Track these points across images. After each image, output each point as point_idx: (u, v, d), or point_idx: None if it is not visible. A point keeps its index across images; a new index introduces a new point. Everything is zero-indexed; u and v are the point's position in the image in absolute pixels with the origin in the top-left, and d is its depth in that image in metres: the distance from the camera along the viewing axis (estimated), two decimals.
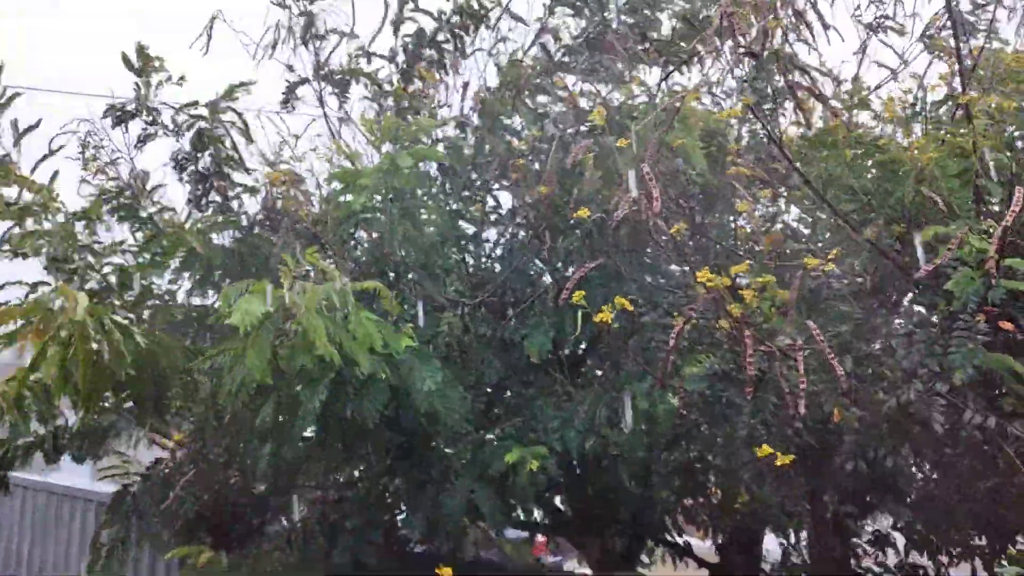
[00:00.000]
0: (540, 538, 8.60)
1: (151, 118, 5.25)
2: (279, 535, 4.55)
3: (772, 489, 4.16)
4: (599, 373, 4.81)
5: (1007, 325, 3.55)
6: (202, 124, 5.19)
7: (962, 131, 4.03)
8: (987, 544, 5.06)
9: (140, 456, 5.43)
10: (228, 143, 5.26)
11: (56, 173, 4.73)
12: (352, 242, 4.27)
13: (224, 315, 3.07)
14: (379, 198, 3.70)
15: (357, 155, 3.77)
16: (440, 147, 4.60)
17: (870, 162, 4.26)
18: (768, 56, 4.27)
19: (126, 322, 3.45)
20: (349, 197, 3.70)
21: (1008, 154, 4.19)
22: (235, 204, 5.42)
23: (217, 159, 5.19)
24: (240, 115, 5.23)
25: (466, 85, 4.94)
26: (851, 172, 4.08)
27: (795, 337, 3.48)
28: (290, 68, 5.58)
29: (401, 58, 5.45)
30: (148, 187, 5.10)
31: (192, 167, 5.42)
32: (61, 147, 4.86)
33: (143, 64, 5.13)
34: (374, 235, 4.04)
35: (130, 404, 4.08)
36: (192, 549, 4.34)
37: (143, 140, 5.25)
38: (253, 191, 5.40)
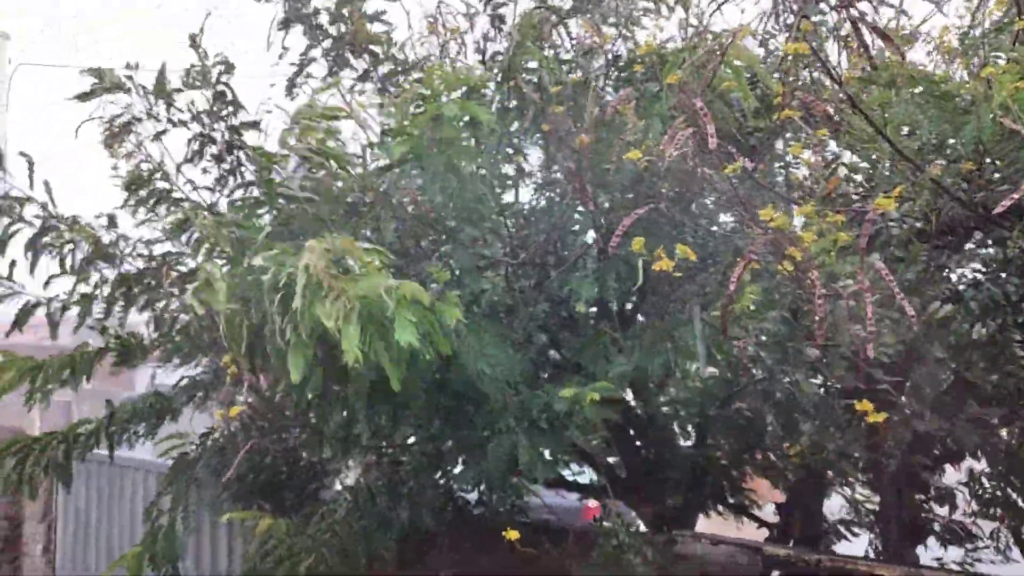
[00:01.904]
0: (592, 503, 8.54)
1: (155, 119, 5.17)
2: (335, 500, 4.55)
3: (838, 441, 4.00)
4: (641, 326, 4.70)
5: None
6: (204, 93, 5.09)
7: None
8: None
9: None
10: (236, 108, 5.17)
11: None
12: (393, 200, 4.17)
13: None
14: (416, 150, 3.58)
15: (404, 105, 3.65)
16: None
17: (931, 100, 4.05)
18: None
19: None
20: (393, 147, 3.59)
21: None
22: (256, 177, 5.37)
23: (234, 127, 5.10)
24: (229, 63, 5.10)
25: (486, 36, 4.79)
26: (918, 109, 3.87)
27: (862, 280, 3.32)
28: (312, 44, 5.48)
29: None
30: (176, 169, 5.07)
31: (211, 145, 5.36)
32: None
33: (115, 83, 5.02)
34: (417, 194, 3.94)
35: None
36: (250, 514, 4.36)
37: (158, 135, 5.17)
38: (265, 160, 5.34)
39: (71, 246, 4.85)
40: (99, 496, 8.25)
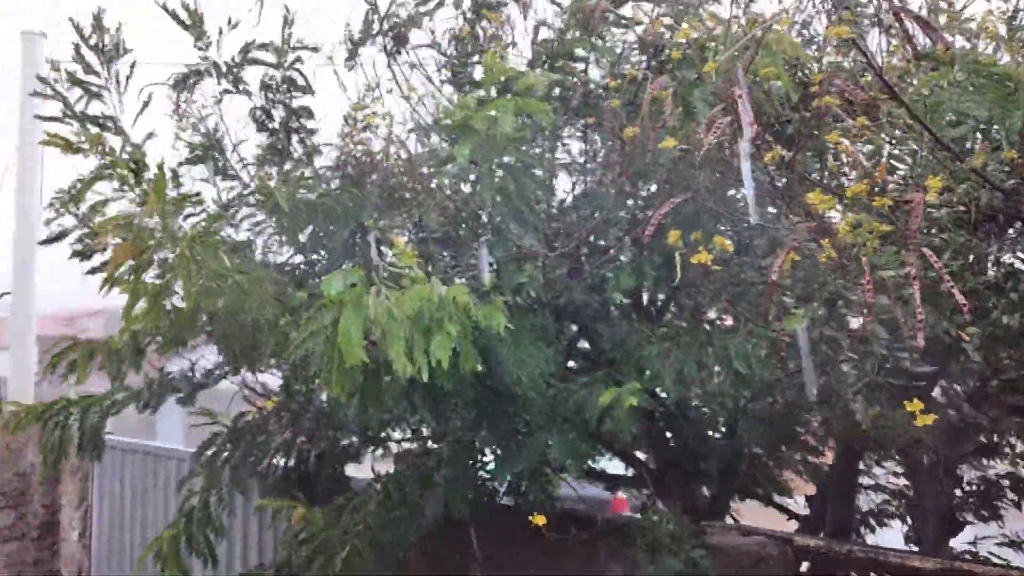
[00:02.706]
0: (621, 495, 8.53)
1: (222, 75, 5.29)
2: (365, 491, 4.57)
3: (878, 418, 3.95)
4: (684, 323, 4.68)
5: None
6: (271, 73, 5.16)
7: None
8: None
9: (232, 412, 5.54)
10: (304, 92, 5.26)
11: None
12: (440, 193, 4.19)
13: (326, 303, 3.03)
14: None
15: (468, 103, 3.63)
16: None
17: (979, 84, 3.96)
18: None
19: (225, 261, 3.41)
20: (445, 146, 3.59)
21: None
22: (314, 159, 5.44)
23: (292, 109, 5.20)
24: (300, 54, 5.16)
25: (537, 27, 4.76)
26: (965, 95, 3.79)
27: (907, 269, 3.26)
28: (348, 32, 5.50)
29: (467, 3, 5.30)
30: (233, 143, 5.14)
31: (267, 120, 5.46)
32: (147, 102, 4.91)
33: (195, 22, 5.13)
34: (463, 186, 3.94)
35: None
36: (284, 502, 4.40)
37: (219, 99, 5.27)
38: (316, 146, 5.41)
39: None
40: (133, 484, 8.37)
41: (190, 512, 4.75)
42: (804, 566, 4.49)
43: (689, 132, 3.76)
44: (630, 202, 4.40)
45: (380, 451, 5.36)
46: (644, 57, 4.71)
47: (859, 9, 4.62)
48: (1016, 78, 3.64)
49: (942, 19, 4.88)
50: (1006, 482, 5.51)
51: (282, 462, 5.00)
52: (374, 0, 5.25)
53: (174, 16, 5.07)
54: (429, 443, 4.96)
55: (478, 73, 5.20)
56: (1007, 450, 5.12)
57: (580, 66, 4.65)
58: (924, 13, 4.77)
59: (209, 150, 5.37)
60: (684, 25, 3.97)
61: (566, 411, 3.82)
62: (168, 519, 7.66)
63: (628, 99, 4.19)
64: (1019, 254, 4.48)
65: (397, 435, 4.64)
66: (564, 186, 5.05)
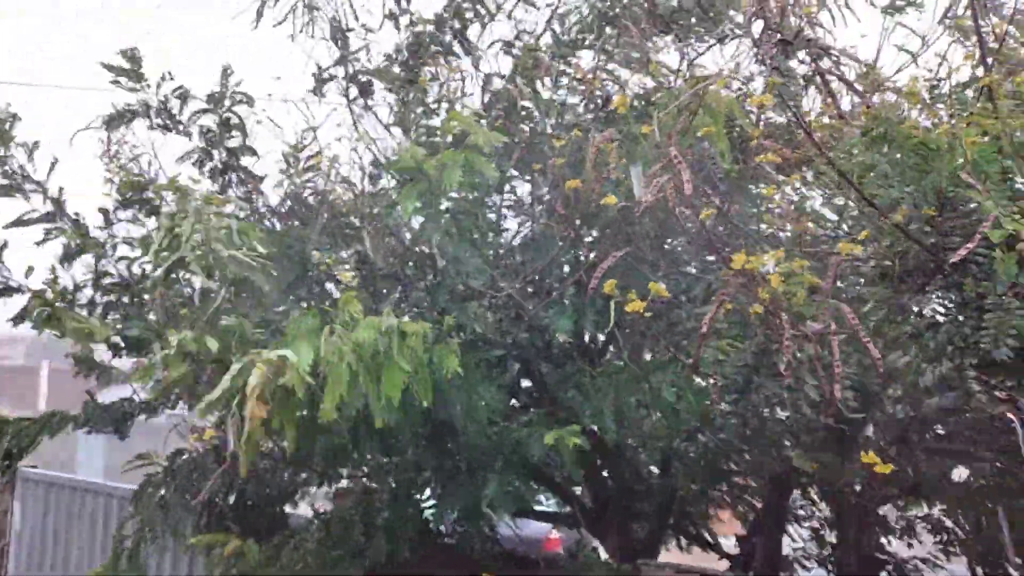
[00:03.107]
0: (553, 534, 8.62)
1: (160, 117, 5.32)
2: (305, 527, 4.54)
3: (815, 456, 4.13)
4: (618, 363, 4.81)
5: None
6: (208, 117, 5.22)
7: (989, 113, 4.02)
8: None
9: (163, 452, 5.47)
10: (241, 134, 5.33)
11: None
12: (388, 233, 4.27)
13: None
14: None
15: (417, 150, 3.74)
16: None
17: (898, 146, 4.23)
18: (798, 43, 4.26)
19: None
20: (394, 186, 3.68)
21: None
22: (257, 200, 5.47)
23: (231, 150, 5.25)
24: (248, 99, 5.25)
25: (488, 77, 4.92)
26: (882, 157, 4.05)
27: (828, 321, 3.46)
28: (319, 72, 5.60)
29: (404, 55, 5.44)
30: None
31: (208, 162, 5.50)
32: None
33: (133, 68, 5.18)
34: (411, 227, 4.03)
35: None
36: (219, 537, 4.33)
37: (163, 130, 5.29)
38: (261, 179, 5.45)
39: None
40: (56, 519, 8.08)
41: (121, 553, 4.65)
42: None
43: (630, 186, 3.92)
44: (572, 249, 4.54)
45: (320, 489, 5.33)
46: (591, 108, 4.90)
47: (795, 70, 4.88)
48: (932, 144, 3.91)
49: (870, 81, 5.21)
50: (926, 524, 5.76)
51: (219, 500, 4.94)
52: (343, 46, 5.35)
53: (111, 68, 5.11)
54: (370, 482, 4.96)
55: (430, 120, 5.35)
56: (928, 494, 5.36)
57: (527, 115, 4.80)
58: (853, 75, 5.09)
59: (143, 191, 5.35)
60: (627, 85, 4.15)
61: (507, 451, 3.89)
62: (92, 556, 7.43)
63: (574, 150, 4.34)
64: (938, 306, 4.76)
65: (341, 471, 4.63)
66: (511, 229, 5.20)
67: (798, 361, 3.36)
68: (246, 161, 5.56)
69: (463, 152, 3.58)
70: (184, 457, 5.05)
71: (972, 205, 3.95)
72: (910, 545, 5.79)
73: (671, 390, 3.61)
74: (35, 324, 4.47)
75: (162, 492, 4.92)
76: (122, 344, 4.97)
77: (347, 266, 4.93)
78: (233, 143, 5.42)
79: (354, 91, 5.60)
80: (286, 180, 5.28)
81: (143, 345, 4.80)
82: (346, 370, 2.86)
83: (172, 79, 5.31)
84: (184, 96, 5.26)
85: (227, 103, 5.27)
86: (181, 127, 5.42)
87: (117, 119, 5.29)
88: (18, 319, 4.68)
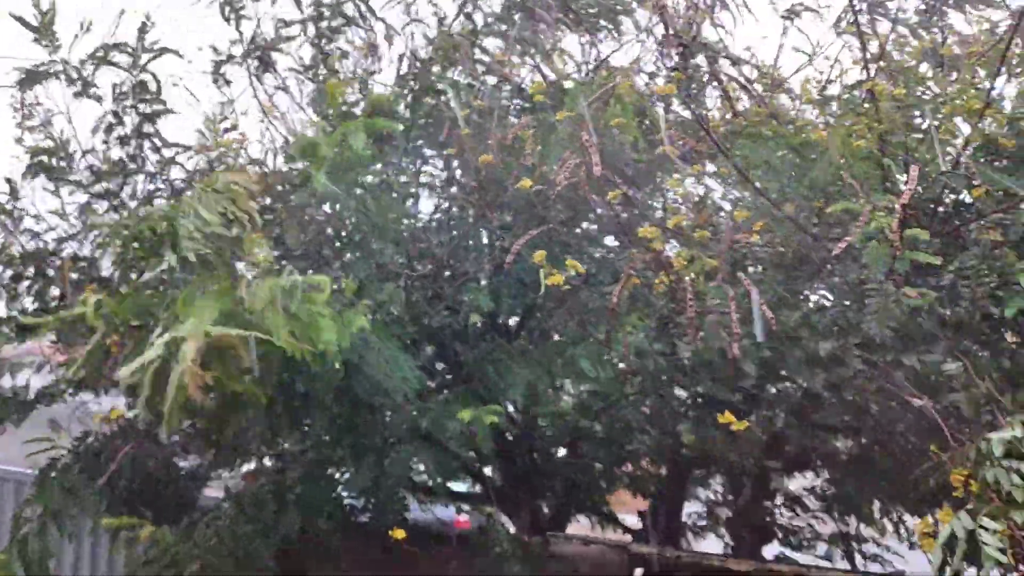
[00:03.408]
0: (462, 516, 8.76)
1: (72, 77, 5.12)
2: (216, 508, 4.52)
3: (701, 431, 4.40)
4: (531, 342, 4.98)
5: (911, 293, 3.90)
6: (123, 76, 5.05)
7: (871, 114, 4.38)
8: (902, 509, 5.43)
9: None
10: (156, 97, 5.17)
11: None
12: (301, 214, 4.28)
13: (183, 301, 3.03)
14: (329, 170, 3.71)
15: (320, 125, 3.76)
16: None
17: (786, 144, 4.55)
18: (695, 45, 4.52)
19: None
20: (300, 166, 3.69)
21: (911, 136, 4.58)
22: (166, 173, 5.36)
23: (145, 114, 5.08)
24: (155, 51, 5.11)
25: (402, 56, 4.99)
26: (771, 153, 4.36)
27: (727, 293, 3.71)
28: (214, 50, 5.53)
29: (312, 31, 5.43)
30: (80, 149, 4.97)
31: (118, 127, 5.31)
32: None
33: (44, 24, 4.97)
34: (325, 206, 4.07)
35: None
36: (130, 520, 4.25)
37: (76, 95, 5.08)
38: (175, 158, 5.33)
39: None
40: None
41: (24, 537, 4.51)
42: (638, 572, 4.87)
43: (547, 170, 4.09)
44: (487, 229, 4.67)
45: (231, 472, 5.30)
46: (506, 92, 5.05)
47: (696, 70, 5.16)
48: (817, 143, 4.24)
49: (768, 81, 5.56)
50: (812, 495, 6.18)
51: (127, 481, 4.84)
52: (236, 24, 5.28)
53: (21, 21, 4.90)
54: (281, 462, 4.97)
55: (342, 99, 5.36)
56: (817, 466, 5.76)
57: (443, 98, 4.89)
58: (752, 75, 5.42)
59: (54, 157, 5.18)
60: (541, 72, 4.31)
61: (425, 428, 3.99)
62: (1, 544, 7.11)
63: (489, 133, 4.47)
64: (825, 292, 5.14)
65: (256, 450, 4.63)
66: (425, 210, 5.29)
67: (699, 330, 3.59)
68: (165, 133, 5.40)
69: (360, 120, 3.63)
70: (90, 439, 4.92)
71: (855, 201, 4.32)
72: (796, 514, 6.20)
73: (587, 362, 3.78)
74: None
75: (68, 475, 4.78)
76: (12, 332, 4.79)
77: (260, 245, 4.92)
78: (147, 108, 5.23)
79: (256, 68, 5.55)
80: (200, 156, 5.19)
81: (34, 328, 4.65)
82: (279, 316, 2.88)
83: (89, 31, 5.07)
84: (101, 54, 5.04)
85: (143, 60, 5.09)
86: (93, 91, 5.22)
87: (29, 79, 5.05)
88: None
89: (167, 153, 5.37)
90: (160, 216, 3.33)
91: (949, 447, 3.36)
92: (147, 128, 5.16)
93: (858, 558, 6.03)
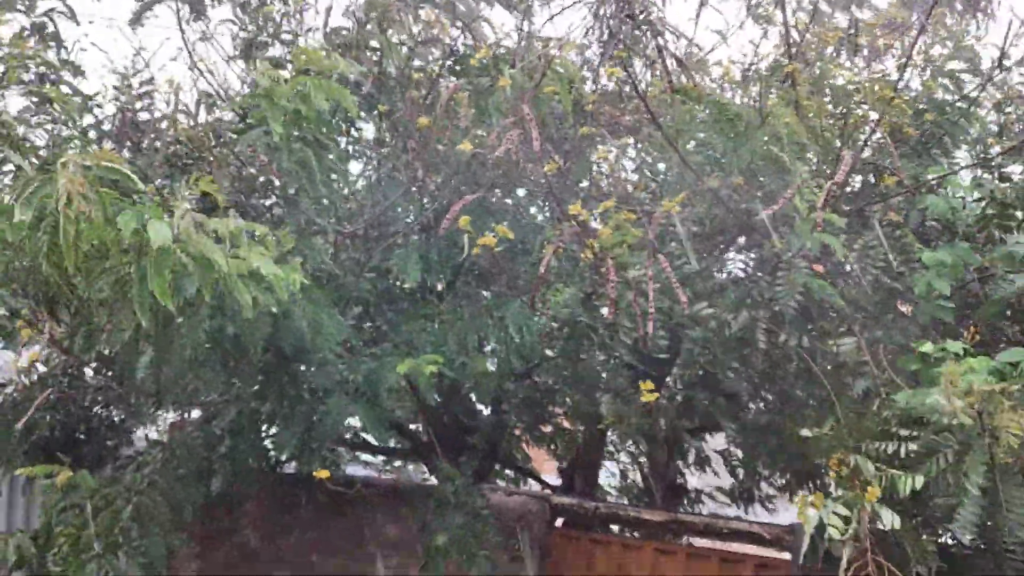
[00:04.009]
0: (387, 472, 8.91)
1: None
2: (144, 454, 4.54)
3: (618, 405, 4.62)
4: (461, 302, 5.11)
5: (818, 268, 4.17)
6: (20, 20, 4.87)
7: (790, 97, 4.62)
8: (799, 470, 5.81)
9: None
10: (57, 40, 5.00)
11: None
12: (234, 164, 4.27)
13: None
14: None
15: (273, 75, 3.73)
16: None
17: (715, 119, 4.75)
18: (641, 21, 4.66)
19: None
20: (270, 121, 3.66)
21: (831, 121, 4.85)
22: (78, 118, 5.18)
23: (48, 63, 4.91)
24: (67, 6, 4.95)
25: (329, 10, 4.96)
26: (703, 129, 4.55)
27: (646, 269, 3.91)
28: None
29: None
30: None
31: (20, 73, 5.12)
32: None
33: None
34: (260, 155, 4.06)
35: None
36: (48, 468, 4.21)
37: None
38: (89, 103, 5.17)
39: None
40: None
41: None
42: (559, 522, 5.13)
43: (482, 135, 4.19)
44: (416, 191, 4.75)
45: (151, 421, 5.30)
46: (438, 56, 5.10)
47: (632, 43, 5.31)
48: (744, 119, 4.45)
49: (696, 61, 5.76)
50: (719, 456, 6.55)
51: (47, 431, 4.81)
52: None
53: None
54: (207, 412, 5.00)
55: (272, 51, 5.31)
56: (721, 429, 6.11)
57: (374, 57, 4.91)
58: (681, 53, 5.60)
59: None
60: (483, 48, 4.37)
61: (359, 382, 4.09)
62: None
63: (423, 96, 4.53)
64: (740, 264, 5.41)
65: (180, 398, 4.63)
66: (356, 171, 5.32)
67: (618, 304, 3.78)
68: (68, 79, 5.21)
69: (319, 81, 3.65)
70: (9, 389, 4.85)
71: (776, 176, 4.56)
72: (704, 474, 6.56)
73: (513, 324, 3.93)
74: None
75: None
76: None
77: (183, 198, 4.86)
78: (50, 56, 5.04)
79: (186, 13, 5.45)
80: (116, 104, 5.06)
81: None
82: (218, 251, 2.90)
83: None
84: None
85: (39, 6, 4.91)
86: None
87: None
88: None
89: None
90: None
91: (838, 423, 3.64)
92: (50, 75, 4.96)
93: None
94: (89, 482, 4.10)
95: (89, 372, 5.14)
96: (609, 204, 3.86)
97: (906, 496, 3.08)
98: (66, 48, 5.17)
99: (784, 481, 6.08)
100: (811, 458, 4.51)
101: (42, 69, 5.03)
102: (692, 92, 4.77)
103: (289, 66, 4.43)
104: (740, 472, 6.42)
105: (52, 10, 5.08)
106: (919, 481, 3.05)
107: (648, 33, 4.93)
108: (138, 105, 5.22)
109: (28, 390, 4.82)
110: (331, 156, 4.23)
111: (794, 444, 4.85)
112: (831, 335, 4.25)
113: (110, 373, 4.85)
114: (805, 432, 3.80)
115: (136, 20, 5.48)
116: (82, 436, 5.01)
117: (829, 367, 4.25)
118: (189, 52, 5.44)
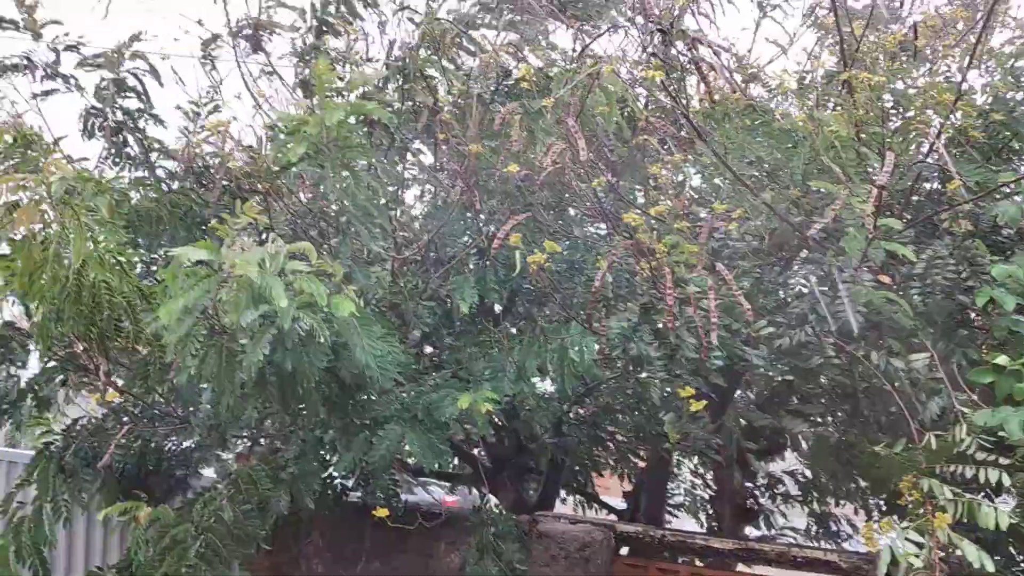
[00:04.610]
0: (450, 497, 8.91)
1: (48, 72, 5.19)
2: (210, 488, 4.62)
3: (682, 426, 4.52)
4: (518, 326, 5.08)
5: (885, 279, 4.02)
6: (105, 75, 5.12)
7: (847, 105, 4.49)
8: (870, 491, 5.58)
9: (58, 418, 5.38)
10: (137, 93, 5.25)
11: None
12: (289, 195, 4.35)
13: (171, 273, 3.11)
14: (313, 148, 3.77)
15: (304, 105, 3.82)
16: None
17: (766, 131, 4.65)
18: (676, 33, 4.62)
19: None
20: (289, 146, 3.74)
21: (887, 127, 4.69)
22: (152, 159, 5.42)
23: (127, 111, 5.17)
24: (149, 63, 5.19)
25: (392, 43, 5.05)
26: (750, 140, 4.46)
27: (706, 281, 3.82)
28: (200, 23, 5.58)
29: (310, 15, 5.49)
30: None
31: (102, 122, 5.39)
32: None
33: (28, 16, 5.03)
34: (308, 186, 4.13)
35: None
36: (129, 505, 4.34)
37: (44, 95, 5.15)
38: (165, 149, 5.40)
39: None
40: None
41: (20, 522, 4.60)
42: (624, 550, 5.01)
43: (532, 156, 4.18)
44: (471, 214, 4.77)
45: (223, 452, 5.40)
46: (491, 80, 5.13)
47: (677, 58, 5.25)
48: (800, 130, 4.35)
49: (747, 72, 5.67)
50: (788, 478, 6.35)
51: (122, 464, 4.94)
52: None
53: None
54: (273, 443, 5.08)
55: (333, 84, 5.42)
56: (790, 449, 5.92)
57: (429, 84, 4.96)
58: (729, 65, 5.52)
59: (27, 149, 5.22)
60: (528, 60, 4.38)
61: (417, 410, 4.09)
62: None
63: (477, 120, 4.55)
64: (802, 279, 5.26)
65: (248, 431, 4.72)
66: (412, 196, 5.38)
67: (678, 316, 3.71)
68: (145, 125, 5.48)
69: (342, 103, 3.70)
70: (84, 421, 5.01)
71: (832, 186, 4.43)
72: (774, 498, 6.36)
73: (575, 350, 3.89)
74: None
75: (63, 458, 4.86)
76: None
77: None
78: (130, 104, 5.31)
79: (245, 49, 5.61)
80: (184, 141, 5.25)
81: None
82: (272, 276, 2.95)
83: (61, 26, 5.13)
84: (83, 62, 5.10)
85: (126, 63, 5.16)
86: (71, 83, 5.27)
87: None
88: None
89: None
90: None
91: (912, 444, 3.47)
92: (129, 123, 5.21)
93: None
94: (169, 516, 4.19)
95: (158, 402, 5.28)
96: (661, 209, 3.78)
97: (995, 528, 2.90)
98: (146, 97, 5.42)
99: (859, 505, 5.86)
100: (885, 480, 4.34)
101: (122, 117, 5.33)
102: (734, 105, 4.69)
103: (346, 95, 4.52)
104: (812, 494, 6.20)
105: (136, 67, 5.36)
106: (1003, 520, 2.86)
107: (688, 46, 4.88)
108: (202, 138, 5.41)
109: (100, 423, 4.96)
110: (381, 181, 4.26)
111: (868, 465, 4.69)
112: (902, 352, 4.08)
113: (177, 406, 4.97)
114: (879, 450, 3.65)
115: (205, 53, 5.69)
116: (152, 468, 5.13)
117: (899, 384, 4.09)
118: (248, 87, 5.61)
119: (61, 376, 4.97)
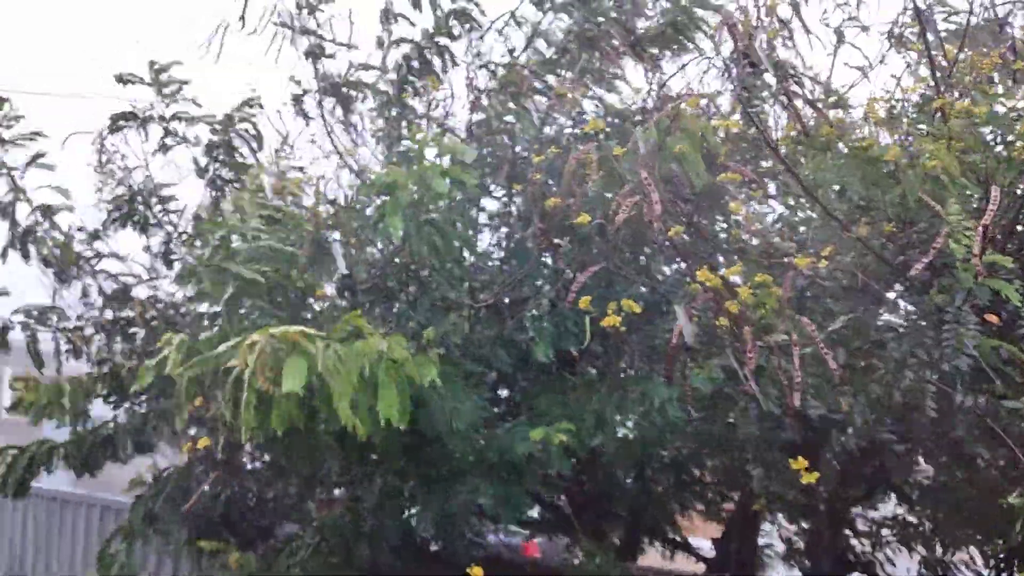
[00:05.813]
0: (532, 541, 8.79)
1: (166, 127, 5.44)
2: (296, 537, 4.65)
3: (772, 480, 4.31)
4: (597, 372, 4.97)
5: (993, 318, 3.74)
6: (213, 136, 5.34)
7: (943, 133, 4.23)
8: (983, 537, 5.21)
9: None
10: (243, 151, 5.48)
11: None
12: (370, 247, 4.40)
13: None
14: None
15: (397, 170, 3.90)
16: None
17: (859, 164, 4.43)
18: (768, 64, 4.47)
19: None
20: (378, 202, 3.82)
21: (984, 155, 4.41)
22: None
23: (234, 167, 5.38)
24: (255, 125, 5.39)
25: (477, 98, 5.07)
26: (842, 174, 4.25)
27: (790, 333, 3.63)
28: (297, 82, 5.75)
29: (393, 74, 5.60)
30: (161, 195, 5.26)
31: (208, 176, 5.64)
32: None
33: (155, 77, 5.31)
34: (392, 241, 4.17)
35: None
36: (219, 544, 4.42)
37: (162, 149, 5.41)
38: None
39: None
40: (36, 531, 8.07)
41: (110, 562, 4.74)
42: None
43: (607, 201, 4.09)
44: (550, 262, 4.71)
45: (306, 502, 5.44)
46: (568, 123, 5.10)
47: (761, 89, 5.09)
48: (892, 160, 4.11)
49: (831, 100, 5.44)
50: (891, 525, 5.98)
51: (210, 511, 5.03)
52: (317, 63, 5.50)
53: (125, 79, 5.23)
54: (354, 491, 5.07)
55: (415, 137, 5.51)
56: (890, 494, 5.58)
57: (509, 128, 4.96)
58: (815, 93, 5.31)
59: (135, 204, 5.47)
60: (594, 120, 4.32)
61: (492, 457, 4.03)
62: (74, 568, 7.45)
63: (553, 165, 4.51)
64: (897, 320, 4.97)
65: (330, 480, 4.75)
66: (487, 242, 5.36)
67: (762, 371, 3.53)
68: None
69: (439, 165, 3.74)
70: (172, 468, 5.13)
71: (930, 220, 4.17)
72: (875, 546, 6.00)
73: (658, 403, 3.78)
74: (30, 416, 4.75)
75: (151, 502, 4.99)
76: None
77: (328, 281, 5.06)
78: (237, 159, 5.59)
79: (330, 105, 5.74)
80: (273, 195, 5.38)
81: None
82: (350, 376, 2.99)
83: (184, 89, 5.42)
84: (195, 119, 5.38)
85: (237, 125, 5.40)
86: (182, 139, 5.55)
87: (117, 124, 5.39)
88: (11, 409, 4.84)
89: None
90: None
91: None
92: (235, 177, 5.44)
93: None
94: (251, 565, 4.24)
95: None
96: (736, 270, 3.63)
97: None
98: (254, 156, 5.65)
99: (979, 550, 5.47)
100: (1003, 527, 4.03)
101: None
102: (824, 136, 4.50)
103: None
104: (918, 542, 5.81)
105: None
106: None
107: (777, 77, 4.72)
108: (287, 192, 5.56)
109: (189, 469, 5.07)
110: (461, 232, 4.28)
111: (984, 512, 4.37)
112: (1009, 394, 3.79)
113: (262, 456, 5.04)
114: (1012, 500, 3.38)
115: (297, 106, 5.86)
116: (236, 516, 5.19)
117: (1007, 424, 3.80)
118: (333, 142, 5.74)
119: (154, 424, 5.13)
